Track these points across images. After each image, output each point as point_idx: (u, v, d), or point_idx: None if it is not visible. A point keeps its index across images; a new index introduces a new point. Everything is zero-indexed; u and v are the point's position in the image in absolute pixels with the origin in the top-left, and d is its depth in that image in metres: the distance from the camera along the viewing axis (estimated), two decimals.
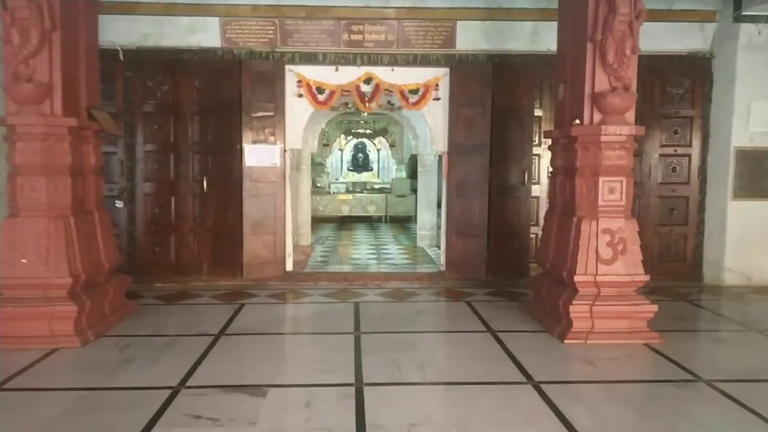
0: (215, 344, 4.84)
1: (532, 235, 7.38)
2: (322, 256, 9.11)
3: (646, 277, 5.04)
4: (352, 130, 15.70)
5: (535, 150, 7.36)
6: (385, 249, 9.94)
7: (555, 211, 5.67)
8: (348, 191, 14.86)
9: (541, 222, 7.40)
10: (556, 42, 5.86)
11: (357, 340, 4.95)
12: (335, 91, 7.37)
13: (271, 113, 7.14)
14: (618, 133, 4.95)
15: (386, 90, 7.42)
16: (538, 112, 7.35)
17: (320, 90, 7.34)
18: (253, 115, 7.06)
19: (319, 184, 14.57)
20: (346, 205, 14.14)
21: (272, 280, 7.20)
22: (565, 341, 4.91)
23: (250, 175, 7.09)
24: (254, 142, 7.09)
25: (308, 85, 7.31)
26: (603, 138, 4.97)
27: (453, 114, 7.28)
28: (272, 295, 6.58)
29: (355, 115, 15.19)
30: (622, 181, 5.04)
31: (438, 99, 7.41)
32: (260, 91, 7.07)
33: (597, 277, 4.97)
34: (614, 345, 4.84)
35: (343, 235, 12.15)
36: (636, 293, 5.09)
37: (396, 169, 15.31)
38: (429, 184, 10.06)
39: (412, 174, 15.01)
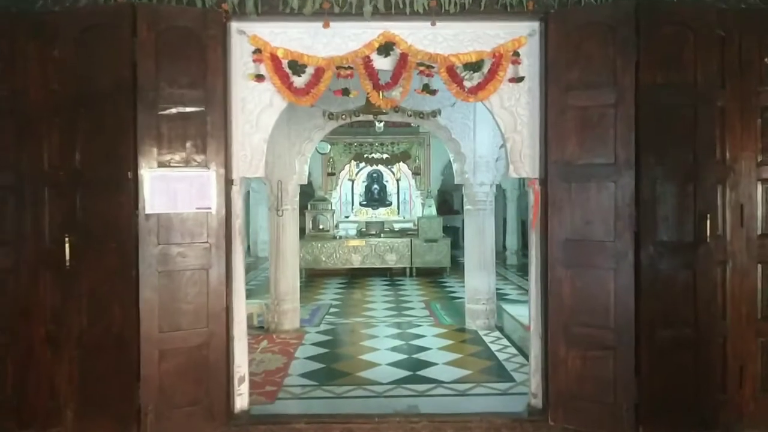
0: None
1: (719, 338, 3.72)
2: (313, 359, 5.50)
3: None
4: (365, 155, 12.26)
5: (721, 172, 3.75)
6: (417, 336, 6.30)
7: None
8: (360, 234, 11.32)
9: (737, 314, 3.79)
10: None
11: None
12: (324, 70, 3.91)
13: (199, 108, 3.67)
14: None
15: (421, 65, 3.92)
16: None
17: (297, 67, 3.90)
18: (162, 112, 3.59)
19: (321, 226, 11.06)
20: (357, 253, 10.58)
21: None
22: None
23: (154, 230, 3.58)
24: (164, 164, 3.60)
25: (274, 58, 3.87)
26: None
27: (553, 106, 3.75)
28: None
29: (363, 132, 11.78)
30: None
31: (520, 79, 3.92)
32: (176, 66, 3.62)
33: None
34: None
35: (351, 302, 8.53)
36: None
37: (423, 205, 11.76)
38: (482, 230, 6.46)
39: (442, 209, 11.48)
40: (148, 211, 3.56)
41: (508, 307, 6.23)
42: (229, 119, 3.82)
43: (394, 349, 5.74)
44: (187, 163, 3.66)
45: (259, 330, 6.56)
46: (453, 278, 10.43)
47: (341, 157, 12.27)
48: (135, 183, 3.55)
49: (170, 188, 3.60)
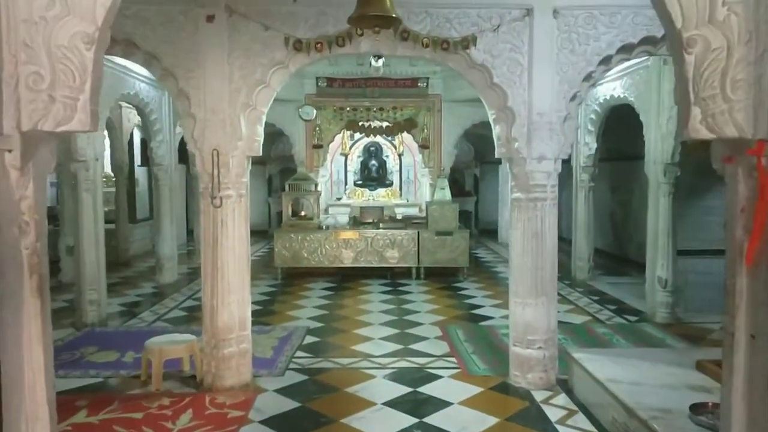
0: None
1: None
2: None
3: None
4: (360, 123, 9.79)
5: None
6: (438, 404, 3.95)
7: None
8: (354, 223, 8.93)
9: None
10: None
11: None
12: None
13: None
14: None
15: None
16: None
17: None
18: None
19: (303, 213, 8.67)
20: (349, 248, 8.20)
21: None
22: None
23: None
24: None
25: None
26: None
27: None
28: None
29: (358, 93, 9.36)
30: None
31: None
32: None
33: None
34: None
35: (338, 323, 6.18)
36: None
37: (432, 186, 9.34)
38: (540, 233, 4.06)
39: (452, 190, 9.04)
40: None
41: (586, 360, 3.86)
42: None
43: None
44: None
45: (188, 384, 4.23)
46: (473, 283, 8.07)
47: (330, 125, 9.79)
48: None
49: None
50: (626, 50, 3.98)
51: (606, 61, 4.01)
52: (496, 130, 4.25)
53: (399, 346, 5.17)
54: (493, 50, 3.98)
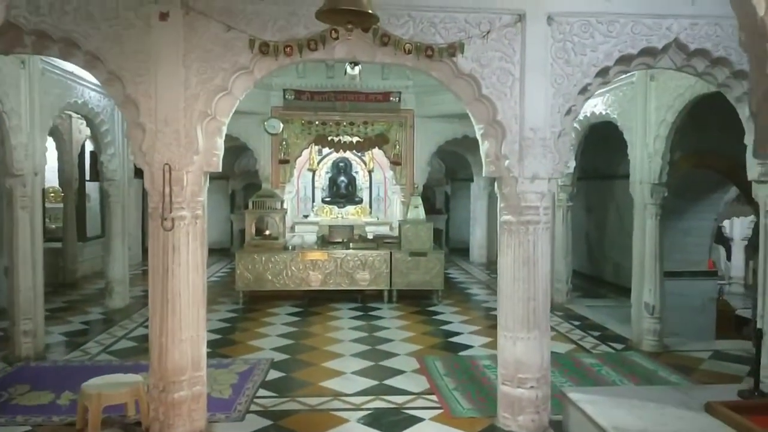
0: None
1: None
2: None
3: None
4: (329, 138, 9.33)
5: None
6: None
7: None
8: (322, 243, 8.44)
9: None
10: None
11: None
12: None
13: None
14: None
15: None
16: None
17: None
18: None
19: (268, 231, 8.14)
20: (317, 270, 7.70)
21: None
22: None
23: None
24: None
25: None
26: None
27: None
28: None
29: (328, 107, 8.97)
30: None
31: None
32: None
33: None
34: None
35: (305, 354, 5.69)
36: None
37: (405, 205, 8.94)
38: (532, 260, 3.67)
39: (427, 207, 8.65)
40: None
41: (584, 402, 3.47)
42: None
43: None
44: None
45: None
46: (448, 306, 7.67)
47: (298, 139, 9.31)
48: None
49: None
50: (625, 61, 3.67)
51: (603, 73, 3.69)
52: (484, 147, 3.87)
53: (373, 382, 4.70)
54: (482, 59, 3.61)
